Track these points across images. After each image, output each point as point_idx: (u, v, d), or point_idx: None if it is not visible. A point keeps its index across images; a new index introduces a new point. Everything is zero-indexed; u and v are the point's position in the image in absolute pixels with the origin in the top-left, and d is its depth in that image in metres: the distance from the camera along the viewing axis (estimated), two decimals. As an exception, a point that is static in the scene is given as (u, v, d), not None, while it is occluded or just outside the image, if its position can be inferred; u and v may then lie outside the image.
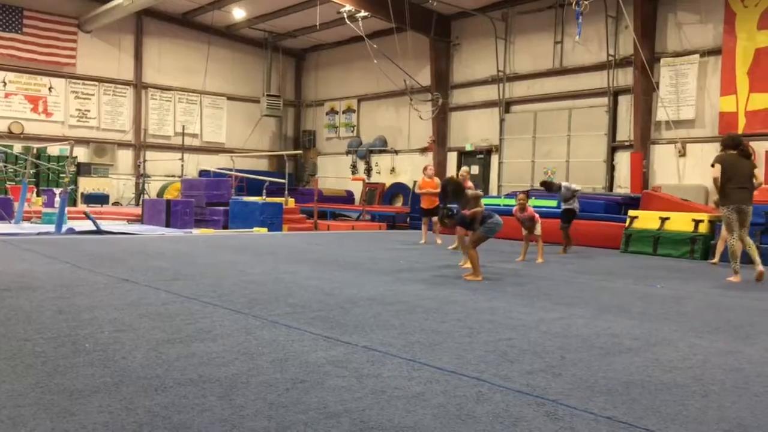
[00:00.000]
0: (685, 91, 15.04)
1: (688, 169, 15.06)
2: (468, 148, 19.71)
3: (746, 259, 8.44)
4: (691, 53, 14.98)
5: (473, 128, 19.74)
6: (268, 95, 23.91)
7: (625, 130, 16.17)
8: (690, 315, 5.66)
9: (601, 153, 16.56)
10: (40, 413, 2.73)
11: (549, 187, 11.58)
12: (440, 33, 19.85)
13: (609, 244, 12.55)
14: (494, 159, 19.11)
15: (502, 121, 18.79)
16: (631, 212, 12.57)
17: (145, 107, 22.37)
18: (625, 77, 16.06)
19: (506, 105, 18.79)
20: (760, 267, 8.12)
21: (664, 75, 15.34)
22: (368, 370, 3.53)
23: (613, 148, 16.47)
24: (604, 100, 16.52)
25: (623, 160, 16.19)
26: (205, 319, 4.79)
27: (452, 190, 8.08)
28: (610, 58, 16.25)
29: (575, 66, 17.09)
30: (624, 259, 11.09)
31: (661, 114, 15.39)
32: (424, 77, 20.12)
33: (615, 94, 16.37)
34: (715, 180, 8.11)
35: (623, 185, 16.08)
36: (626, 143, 16.08)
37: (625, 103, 16.21)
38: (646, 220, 12.11)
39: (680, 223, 11.57)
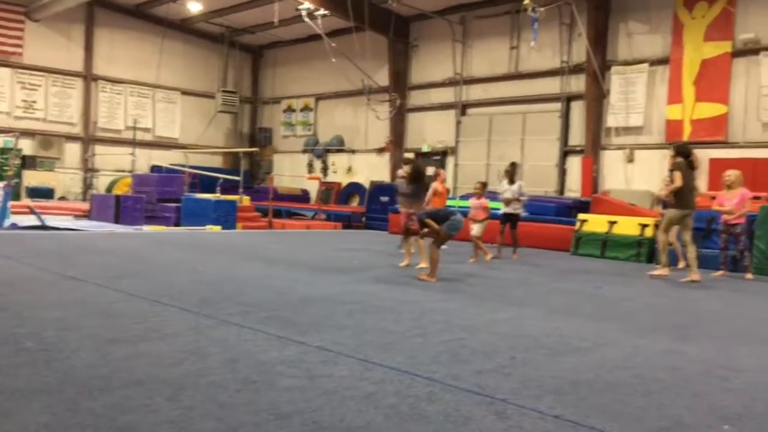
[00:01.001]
0: (635, 98, 15.47)
1: (635, 175, 15.49)
2: (424, 149, 19.83)
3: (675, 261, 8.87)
4: (640, 62, 15.41)
5: (430, 130, 19.88)
6: (223, 91, 23.56)
7: (577, 136, 16.53)
8: (634, 316, 5.84)
9: (553, 157, 16.89)
10: (-22, 414, 2.64)
11: (512, 173, 11.25)
12: (399, 34, 19.91)
13: (559, 246, 12.81)
14: (450, 161, 19.28)
15: (458, 123, 18.97)
16: (581, 215, 12.86)
17: (95, 100, 21.74)
18: (578, 83, 16.43)
19: (463, 107, 18.98)
20: (696, 276, 8.54)
21: (614, 82, 15.75)
22: (321, 371, 3.52)
23: (565, 153, 16.82)
24: (557, 105, 16.85)
25: (574, 165, 16.55)
26: (155, 318, 4.70)
27: (419, 171, 8.67)
28: (564, 64, 16.59)
29: (530, 71, 17.39)
30: (573, 261, 11.34)
31: (611, 120, 15.80)
32: (383, 77, 20.16)
33: (568, 99, 16.72)
34: (677, 186, 8.53)
35: (574, 189, 16.44)
36: (577, 148, 16.44)
37: (578, 108, 16.57)
38: (595, 223, 12.41)
39: (627, 227, 11.90)
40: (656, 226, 10.80)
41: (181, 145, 22.86)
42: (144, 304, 5.20)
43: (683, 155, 8.82)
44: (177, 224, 14.80)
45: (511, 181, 11.04)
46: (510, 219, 11.06)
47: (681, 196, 8.58)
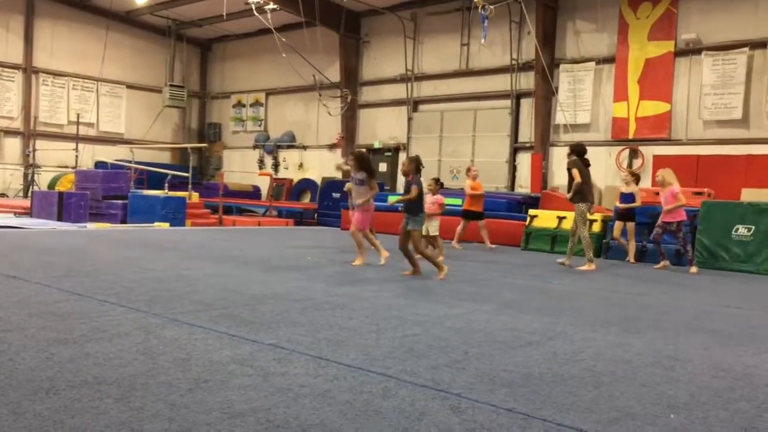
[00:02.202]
0: (582, 96, 15.84)
1: (583, 171, 15.84)
2: (376, 145, 19.85)
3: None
4: (587, 60, 15.78)
5: (382, 126, 19.91)
6: (171, 85, 23.04)
7: (527, 132, 16.81)
8: (584, 310, 5.97)
9: (504, 153, 17.14)
10: None
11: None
12: (350, 29, 19.85)
13: (510, 242, 13.01)
14: (402, 157, 19.33)
15: (410, 119, 19.06)
16: (531, 211, 13.10)
17: (36, 93, 20.96)
18: (527, 81, 16.70)
19: (414, 104, 19.07)
20: (593, 265, 9.38)
21: (563, 80, 16.08)
22: (274, 369, 3.48)
23: (515, 149, 17.09)
24: (507, 102, 17.10)
25: (524, 161, 16.84)
26: (101, 317, 4.56)
27: (365, 157, 9.05)
28: (514, 62, 16.84)
29: (480, 68, 17.59)
30: (524, 256, 11.54)
31: (560, 117, 16.12)
32: (334, 73, 20.07)
33: (518, 96, 16.98)
34: (578, 182, 9.26)
35: (524, 185, 16.72)
36: (527, 144, 16.72)
37: (527, 105, 16.85)
38: (544, 219, 12.65)
39: (576, 222, 12.15)
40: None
41: (127, 140, 22.28)
42: (90, 304, 5.04)
43: (578, 154, 9.47)
44: (123, 221, 14.42)
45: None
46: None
47: (582, 192, 9.28)
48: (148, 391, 2.99)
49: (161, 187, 15.98)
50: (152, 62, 23.51)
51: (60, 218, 13.94)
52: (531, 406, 3.04)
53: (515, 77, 16.89)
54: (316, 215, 18.79)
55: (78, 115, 20.74)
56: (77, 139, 19.80)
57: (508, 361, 3.88)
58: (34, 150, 20.00)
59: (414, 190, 7.62)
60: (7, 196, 19.40)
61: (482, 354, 4.03)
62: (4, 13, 20.05)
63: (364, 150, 9.00)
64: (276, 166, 22.71)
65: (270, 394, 3.06)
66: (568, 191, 9.72)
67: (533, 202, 14.17)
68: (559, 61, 16.18)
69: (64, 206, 14.05)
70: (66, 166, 20.14)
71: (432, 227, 9.33)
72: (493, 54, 17.20)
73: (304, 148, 22.12)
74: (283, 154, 22.74)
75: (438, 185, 10.01)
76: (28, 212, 15.02)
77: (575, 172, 9.29)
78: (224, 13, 18.64)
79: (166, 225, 14.03)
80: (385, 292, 6.34)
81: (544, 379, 3.52)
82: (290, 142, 22.36)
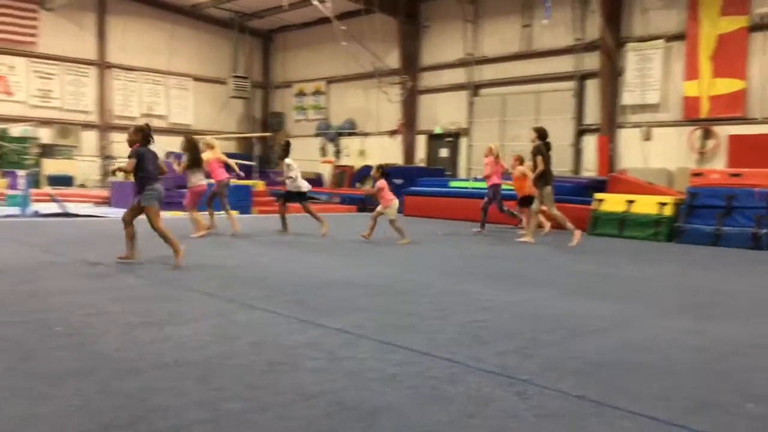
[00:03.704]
0: (651, 75, 15.29)
1: (652, 153, 15.36)
2: (437, 131, 19.76)
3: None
4: (656, 38, 15.21)
5: (442, 111, 19.79)
6: (235, 76, 23.56)
7: (592, 114, 16.39)
8: (654, 295, 5.82)
9: (568, 136, 16.77)
10: (15, 397, 2.71)
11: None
12: (409, 15, 19.76)
13: (576, 226, 12.71)
14: (463, 142, 19.21)
15: (470, 104, 18.87)
16: (598, 195, 12.77)
17: (110, 87, 21.86)
18: (592, 61, 16.25)
19: (475, 88, 18.87)
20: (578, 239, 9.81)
21: (630, 59, 15.56)
22: (343, 353, 3.56)
23: (580, 132, 16.70)
24: (571, 84, 16.70)
25: (590, 144, 16.43)
26: (178, 302, 4.76)
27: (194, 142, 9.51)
28: (577, 42, 16.41)
29: (543, 50, 17.22)
30: (591, 241, 11.30)
31: (627, 98, 15.63)
32: (393, 60, 20.05)
33: (582, 78, 16.55)
34: (541, 169, 9.61)
35: (590, 168, 16.33)
36: (593, 127, 16.31)
37: (592, 87, 16.41)
38: (612, 202, 12.32)
39: (645, 205, 11.81)
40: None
41: (195, 131, 22.91)
42: (166, 289, 5.27)
43: (543, 137, 9.85)
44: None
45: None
46: (290, 197, 11.00)
47: (544, 175, 9.75)
48: (225, 373, 3.12)
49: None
50: (217, 54, 24.08)
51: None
52: (602, 394, 3.01)
53: (579, 58, 16.46)
54: (378, 202, 18.85)
55: (149, 107, 21.52)
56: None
57: (576, 348, 3.84)
58: (110, 142, 20.89)
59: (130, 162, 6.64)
60: (87, 187, 20.34)
61: (549, 340, 4.00)
62: (78, 12, 20.94)
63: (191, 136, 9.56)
64: (338, 154, 22.94)
65: (339, 377, 3.14)
66: (533, 173, 9.95)
67: (600, 185, 13.81)
68: (626, 40, 15.65)
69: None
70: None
71: (389, 211, 9.52)
72: (556, 34, 16.80)
73: (365, 135, 22.24)
74: (344, 142, 22.94)
75: (379, 172, 9.92)
76: (107, 201, 15.72)
77: (539, 159, 9.63)
78: (285, 4, 18.89)
79: (234, 213, 14.36)
80: (450, 278, 6.35)
81: (615, 367, 3.47)
82: (351, 129, 22.52)
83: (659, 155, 15.17)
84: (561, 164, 16.58)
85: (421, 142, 20.34)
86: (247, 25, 24.11)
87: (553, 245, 9.98)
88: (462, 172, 19.07)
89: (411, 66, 19.94)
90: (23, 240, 8.42)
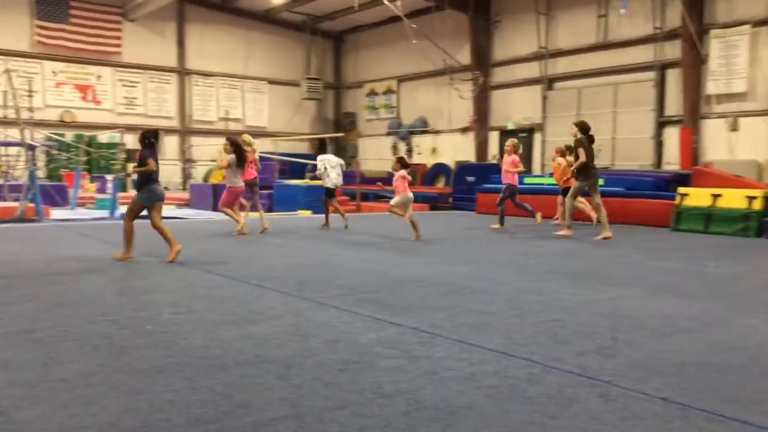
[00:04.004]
0: (736, 63, 14.54)
1: (740, 144, 14.61)
2: (510, 126, 19.47)
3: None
4: (741, 24, 14.44)
5: (515, 106, 19.48)
6: (308, 78, 24.02)
7: (674, 105, 15.74)
8: (744, 294, 5.55)
9: (648, 129, 16.18)
10: (110, 392, 2.87)
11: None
12: (479, 10, 19.56)
13: (658, 222, 12.29)
14: (537, 137, 18.85)
15: (544, 98, 18.49)
16: (682, 189, 12.27)
17: (189, 93, 22.74)
18: (673, 50, 15.60)
19: (549, 82, 18.47)
20: (608, 233, 9.54)
21: (713, 47, 14.85)
22: (419, 352, 3.58)
23: (661, 124, 16.08)
24: (651, 74, 16.09)
25: (672, 136, 15.79)
26: (258, 301, 4.91)
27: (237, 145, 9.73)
28: (657, 30, 15.79)
29: (620, 40, 16.67)
30: (674, 237, 10.87)
31: (711, 87, 14.93)
32: (464, 56, 19.90)
33: (662, 68, 15.93)
34: (583, 161, 9.47)
35: (672, 162, 15.69)
36: (675, 118, 15.66)
37: (673, 77, 15.76)
38: (697, 197, 11.81)
39: (733, 199, 11.25)
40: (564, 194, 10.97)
41: (269, 133, 23.54)
42: (246, 288, 5.43)
43: (583, 131, 9.69)
44: (269, 210, 15.28)
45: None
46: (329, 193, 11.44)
47: (586, 170, 9.58)
48: (304, 370, 3.20)
49: (302, 177, 16.74)
50: (290, 57, 24.61)
51: (215, 209, 15.02)
52: (688, 396, 2.90)
53: (659, 47, 15.83)
54: (451, 199, 18.80)
55: (226, 111, 22.25)
56: (226, 134, 21.23)
57: (660, 348, 3.72)
58: (190, 146, 21.73)
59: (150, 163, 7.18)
60: (169, 189, 21.24)
61: (632, 341, 3.88)
62: (159, 22, 21.87)
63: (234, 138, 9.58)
64: (409, 152, 22.98)
65: (416, 376, 3.15)
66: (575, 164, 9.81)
67: (683, 179, 13.25)
68: (709, 27, 14.93)
69: (217, 197, 15.12)
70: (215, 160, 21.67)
71: (395, 200, 9.60)
72: (634, 24, 16.22)
73: (437, 132, 22.19)
74: (416, 140, 22.96)
75: (399, 164, 9.81)
76: (188, 203, 16.35)
77: (581, 151, 9.51)
78: (356, 4, 19.09)
79: (308, 213, 14.69)
80: (525, 277, 6.25)
81: (702, 369, 3.34)
82: (422, 127, 22.51)
83: (747, 146, 14.40)
84: (641, 158, 16.05)
85: (494, 139, 20.10)
86: (319, 27, 24.52)
87: (632, 243, 9.65)
88: (536, 168, 18.72)
89: (483, 61, 19.73)
90: (112, 241, 8.86)
